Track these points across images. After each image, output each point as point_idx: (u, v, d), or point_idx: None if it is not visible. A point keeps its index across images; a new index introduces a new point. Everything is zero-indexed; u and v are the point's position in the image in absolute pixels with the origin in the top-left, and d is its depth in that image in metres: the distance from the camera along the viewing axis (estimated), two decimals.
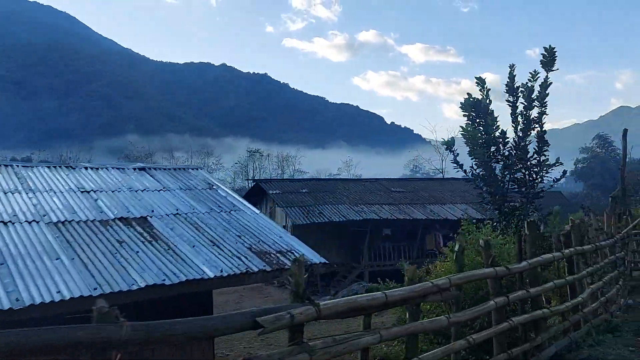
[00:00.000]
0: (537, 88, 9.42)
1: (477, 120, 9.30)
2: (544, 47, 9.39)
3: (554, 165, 9.17)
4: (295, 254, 6.44)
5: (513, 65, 9.43)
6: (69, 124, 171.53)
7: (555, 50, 9.44)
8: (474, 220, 8.79)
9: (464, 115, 9.69)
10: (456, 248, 4.80)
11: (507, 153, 9.29)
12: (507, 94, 9.42)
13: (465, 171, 9.69)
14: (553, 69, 9.40)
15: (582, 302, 6.60)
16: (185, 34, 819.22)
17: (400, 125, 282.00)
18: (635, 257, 15.10)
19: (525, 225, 5.54)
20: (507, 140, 9.46)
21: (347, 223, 20.54)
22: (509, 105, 9.40)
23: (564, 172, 9.61)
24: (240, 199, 8.12)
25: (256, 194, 24.08)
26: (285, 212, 20.34)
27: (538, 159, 9.22)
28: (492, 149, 9.25)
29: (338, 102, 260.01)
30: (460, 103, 9.24)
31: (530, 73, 9.26)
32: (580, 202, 70.19)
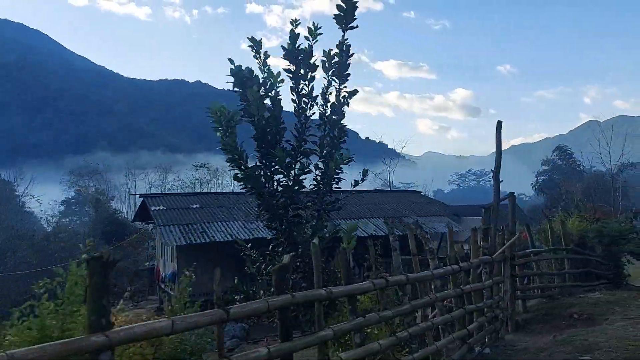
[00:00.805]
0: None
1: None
2: None
3: (343, 162, 6.31)
4: None
5: (296, 20, 6.38)
6: (37, 141, 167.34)
7: (356, 1, 6.67)
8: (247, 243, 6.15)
9: (235, 92, 7.04)
10: None
11: (284, 147, 6.38)
12: (287, 61, 6.55)
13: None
14: (352, 24, 6.64)
15: None
16: (160, 51, 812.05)
17: (374, 141, 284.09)
18: (535, 282, 12.46)
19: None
20: (282, 127, 6.59)
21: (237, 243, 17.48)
22: (289, 77, 6.50)
23: (365, 170, 6.83)
24: None
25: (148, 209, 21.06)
26: (159, 230, 17.39)
27: (330, 152, 6.46)
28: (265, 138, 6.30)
29: (315, 118, 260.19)
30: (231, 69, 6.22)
31: (309, 27, 6.36)
32: (539, 216, 68.24)
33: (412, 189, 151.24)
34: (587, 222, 14.43)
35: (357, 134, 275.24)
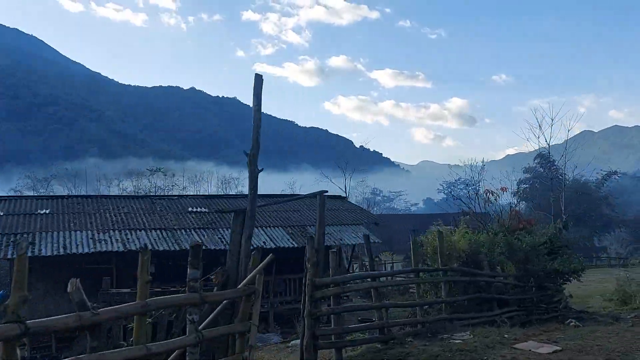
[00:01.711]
0: None
1: None
2: None
3: None
4: None
5: None
6: (27, 147, 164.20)
7: None
8: None
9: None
10: None
11: None
12: None
13: None
14: None
15: None
16: (155, 57, 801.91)
17: (369, 149, 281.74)
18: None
19: None
20: None
21: (79, 258, 14.06)
22: None
23: None
24: None
25: None
26: None
27: None
28: None
29: (307, 126, 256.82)
30: None
31: None
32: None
33: (401, 197, 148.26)
34: (490, 234, 11.04)
35: (351, 142, 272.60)
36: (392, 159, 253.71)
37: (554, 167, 67.59)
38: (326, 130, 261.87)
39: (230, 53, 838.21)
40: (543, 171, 67.21)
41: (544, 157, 66.95)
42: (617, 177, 71.44)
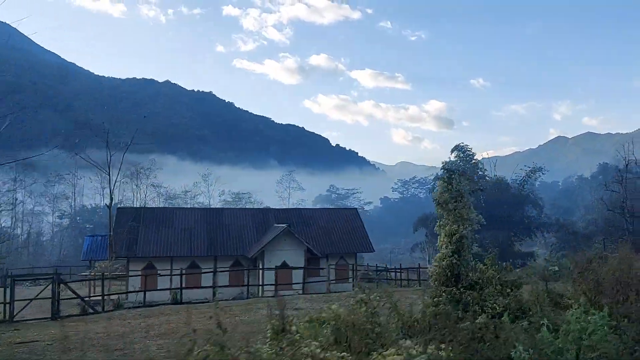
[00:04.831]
0: None
1: None
2: None
3: None
4: None
5: None
6: None
7: None
8: None
9: None
10: None
11: None
12: None
13: None
14: None
15: None
16: (133, 49, 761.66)
17: (345, 148, 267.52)
18: None
19: None
20: None
21: None
22: None
23: None
24: None
25: None
26: None
27: None
28: None
29: (284, 123, 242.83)
30: None
31: None
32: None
33: (355, 195, 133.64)
34: None
35: (327, 140, 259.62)
36: (368, 159, 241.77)
37: (474, 160, 56.18)
38: (303, 127, 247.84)
39: (210, 48, 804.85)
40: (462, 165, 55.47)
41: (461, 149, 55.33)
42: (543, 173, 60.34)
